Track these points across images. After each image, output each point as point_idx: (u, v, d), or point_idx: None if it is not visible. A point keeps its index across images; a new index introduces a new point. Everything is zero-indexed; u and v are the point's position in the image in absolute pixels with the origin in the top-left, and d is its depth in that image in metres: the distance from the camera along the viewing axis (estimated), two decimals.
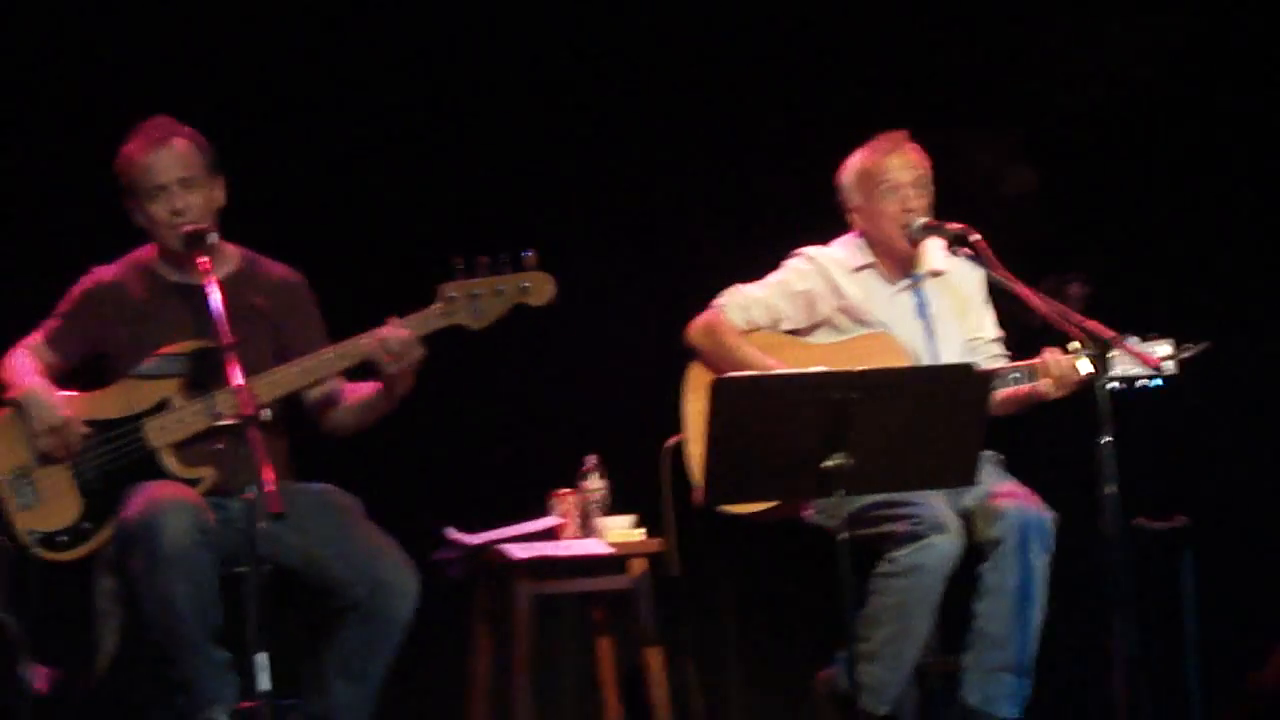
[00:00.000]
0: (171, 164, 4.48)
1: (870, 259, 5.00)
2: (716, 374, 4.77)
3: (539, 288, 4.40)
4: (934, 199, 4.95)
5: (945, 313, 5.01)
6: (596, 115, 5.98)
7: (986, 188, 5.83)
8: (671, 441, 4.96)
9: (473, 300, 4.39)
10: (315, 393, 4.57)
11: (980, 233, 4.75)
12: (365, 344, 4.39)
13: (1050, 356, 4.75)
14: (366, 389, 4.56)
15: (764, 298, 4.99)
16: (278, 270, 4.67)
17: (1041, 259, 5.27)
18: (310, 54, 5.78)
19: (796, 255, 5.05)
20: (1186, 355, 4.75)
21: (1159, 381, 4.72)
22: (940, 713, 4.89)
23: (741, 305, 4.98)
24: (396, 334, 4.37)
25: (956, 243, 4.82)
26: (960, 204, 4.99)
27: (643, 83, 6.01)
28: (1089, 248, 5.79)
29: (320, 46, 5.79)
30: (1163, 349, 4.75)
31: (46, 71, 5.55)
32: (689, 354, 4.97)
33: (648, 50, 6.01)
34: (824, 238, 5.07)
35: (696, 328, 4.98)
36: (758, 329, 4.98)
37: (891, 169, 4.92)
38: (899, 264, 5.00)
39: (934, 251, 5.01)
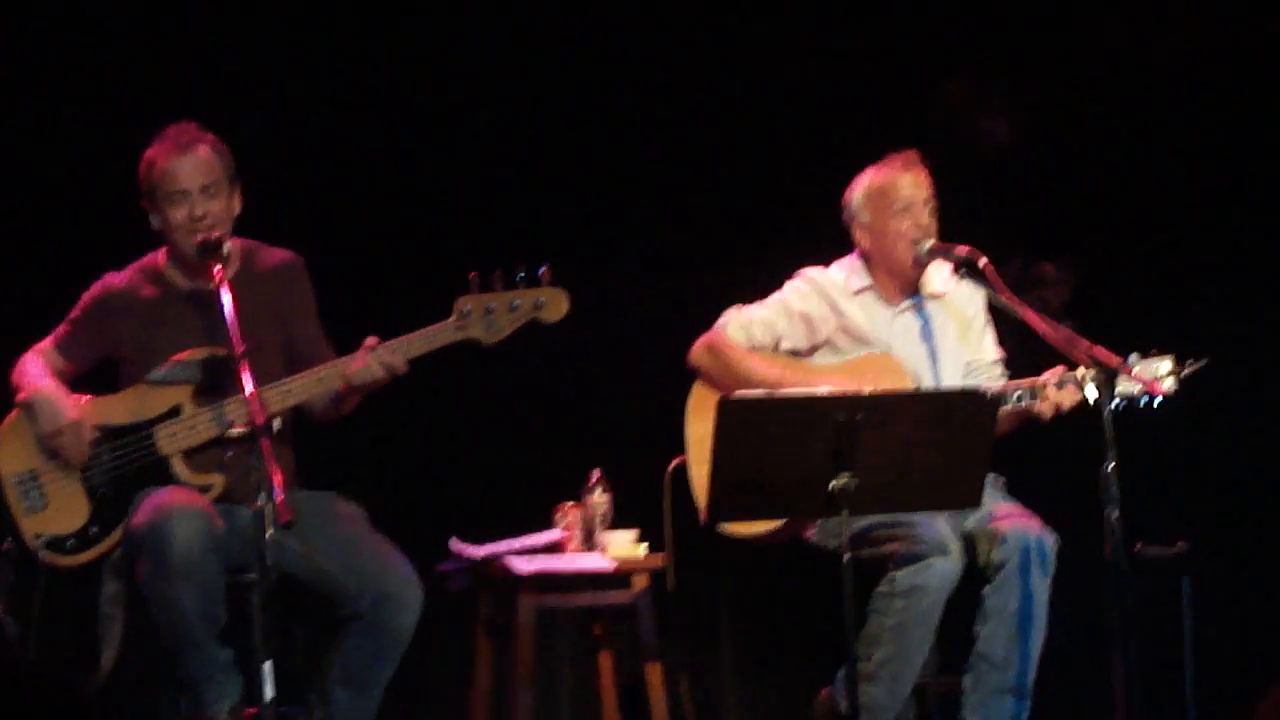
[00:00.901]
0: (194, 170, 4.51)
1: (869, 281, 5.02)
2: (721, 392, 4.81)
3: (554, 303, 4.42)
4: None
5: (946, 335, 5.03)
6: (606, 132, 6.00)
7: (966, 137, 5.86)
8: (674, 464, 4.97)
9: (487, 315, 4.41)
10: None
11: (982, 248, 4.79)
12: (354, 366, 4.39)
13: (1052, 378, 4.77)
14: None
15: (765, 317, 5.01)
16: (277, 255, 4.69)
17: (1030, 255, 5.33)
18: (335, 62, 5.80)
19: (797, 276, 5.07)
20: (1187, 372, 4.78)
21: (1160, 399, 4.74)
22: None
23: (742, 324, 5.00)
24: (380, 360, 4.38)
25: (964, 266, 4.85)
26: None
27: (656, 103, 6.03)
28: (1086, 260, 5.81)
29: (346, 54, 5.81)
30: (1163, 366, 4.77)
31: (55, 76, 5.56)
32: (692, 375, 4.99)
33: (663, 73, 6.03)
34: (827, 259, 5.09)
35: (699, 348, 5.00)
36: (758, 349, 5.00)
37: (904, 186, 4.94)
38: (900, 286, 5.02)
39: (936, 274, 5.03)
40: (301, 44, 5.77)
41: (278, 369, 4.48)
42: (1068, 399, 4.73)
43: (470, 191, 5.89)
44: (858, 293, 5.00)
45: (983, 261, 4.79)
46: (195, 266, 4.51)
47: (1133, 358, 4.75)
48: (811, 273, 5.06)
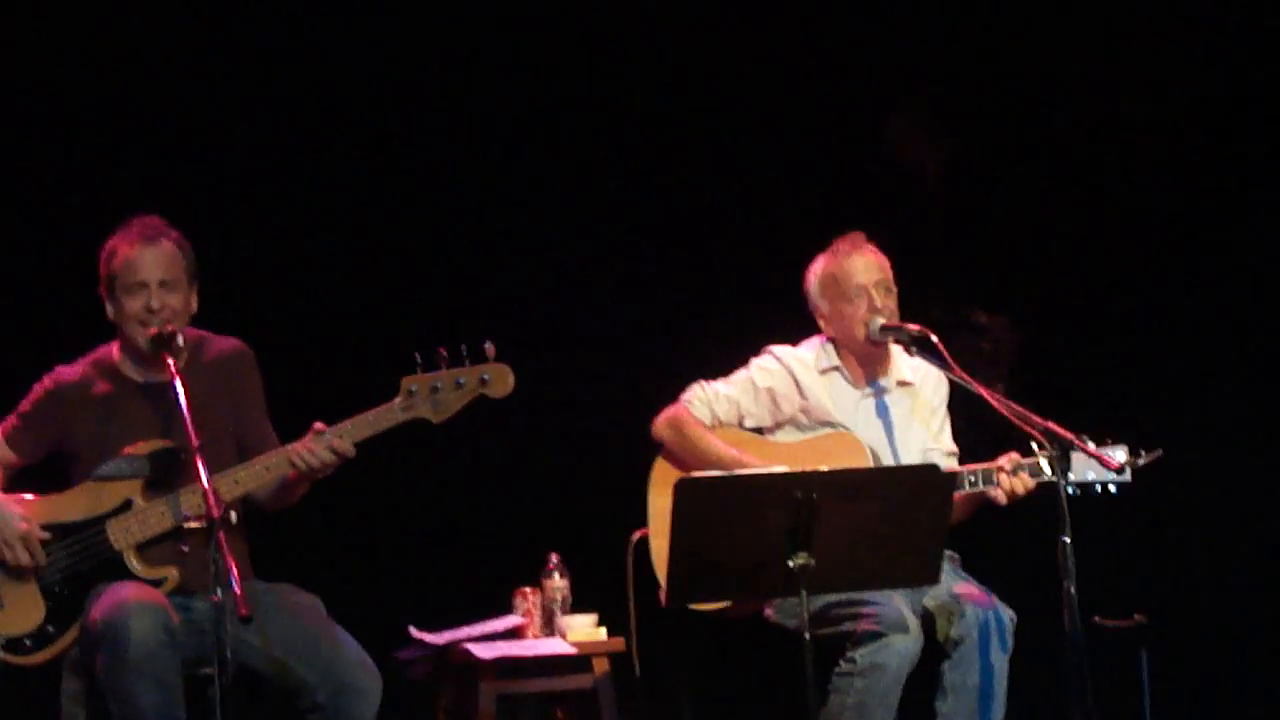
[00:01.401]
0: (155, 263, 4.51)
1: (836, 362, 5.05)
2: (681, 468, 4.83)
3: (499, 379, 4.43)
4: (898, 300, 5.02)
5: (909, 422, 5.05)
6: (554, 203, 6.03)
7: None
8: (637, 536, 4.98)
9: (433, 393, 4.42)
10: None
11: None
12: (298, 450, 4.39)
13: (1007, 463, 4.80)
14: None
15: (728, 394, 5.04)
16: (226, 344, 4.69)
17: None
18: (279, 142, 5.82)
19: (765, 354, 5.10)
20: (1143, 463, 4.81)
21: (1113, 488, 4.78)
22: None
23: (705, 400, 5.02)
24: (327, 446, 4.38)
25: (915, 344, 4.88)
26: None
27: (609, 171, 6.07)
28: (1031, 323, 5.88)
29: (289, 136, 5.84)
30: (1119, 455, 4.81)
31: (7, 166, 5.57)
32: (654, 448, 5.00)
33: (612, 139, 6.08)
34: (792, 334, 5.12)
35: (662, 422, 5.02)
36: (721, 425, 5.02)
37: (856, 271, 4.98)
38: (867, 370, 5.05)
39: (905, 361, 5.06)
40: (241, 129, 5.79)
41: (229, 458, 4.48)
42: (1021, 486, 4.76)
43: (414, 271, 5.90)
44: (825, 372, 5.04)
45: (933, 339, 4.84)
46: (148, 359, 4.50)
47: (1088, 444, 4.79)
48: (779, 350, 5.09)
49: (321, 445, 4.40)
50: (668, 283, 6.09)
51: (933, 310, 5.05)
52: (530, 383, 4.49)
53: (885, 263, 5.02)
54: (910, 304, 4.96)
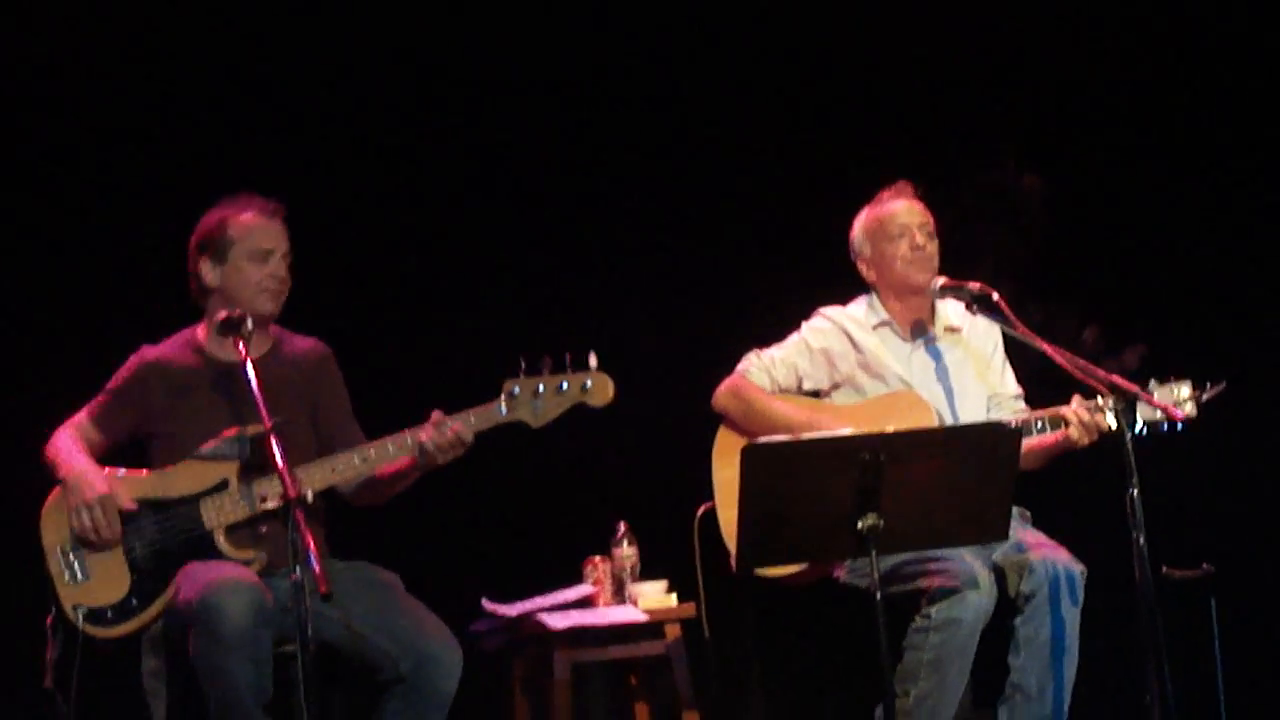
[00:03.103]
0: (279, 235, 4.60)
1: (886, 317, 5.08)
2: (747, 435, 4.86)
3: (599, 389, 4.50)
4: (942, 251, 5.04)
5: (965, 370, 5.08)
6: (617, 171, 6.05)
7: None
8: (703, 509, 5.01)
9: (535, 397, 4.48)
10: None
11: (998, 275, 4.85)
12: (423, 437, 4.46)
13: (1076, 405, 4.81)
14: (397, 464, 4.62)
15: (785, 358, 5.07)
16: (306, 344, 4.75)
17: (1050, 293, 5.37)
18: (378, 139, 5.86)
19: (815, 315, 5.14)
20: (1206, 397, 4.82)
21: (1180, 424, 4.79)
22: None
23: (763, 367, 5.05)
24: (451, 429, 4.44)
25: (977, 303, 4.89)
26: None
27: (667, 140, 6.08)
28: (1102, 285, 5.86)
29: (398, 137, 5.87)
30: (1182, 391, 4.82)
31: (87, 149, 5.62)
32: (714, 421, 5.03)
33: (672, 114, 6.10)
34: (841, 298, 5.16)
35: (723, 393, 5.05)
36: (781, 390, 5.05)
37: (899, 214, 5.04)
38: (914, 320, 5.08)
39: (951, 308, 5.08)
40: (329, 130, 5.82)
41: (309, 450, 4.53)
42: (1097, 421, 4.76)
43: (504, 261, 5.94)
44: (876, 327, 5.06)
45: (995, 296, 4.85)
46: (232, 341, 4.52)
47: (1151, 384, 4.80)
48: (829, 311, 5.13)
49: (444, 430, 4.44)
50: (734, 252, 6.10)
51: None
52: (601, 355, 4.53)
53: (928, 212, 5.07)
54: None
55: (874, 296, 5.12)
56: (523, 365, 4.46)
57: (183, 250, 4.65)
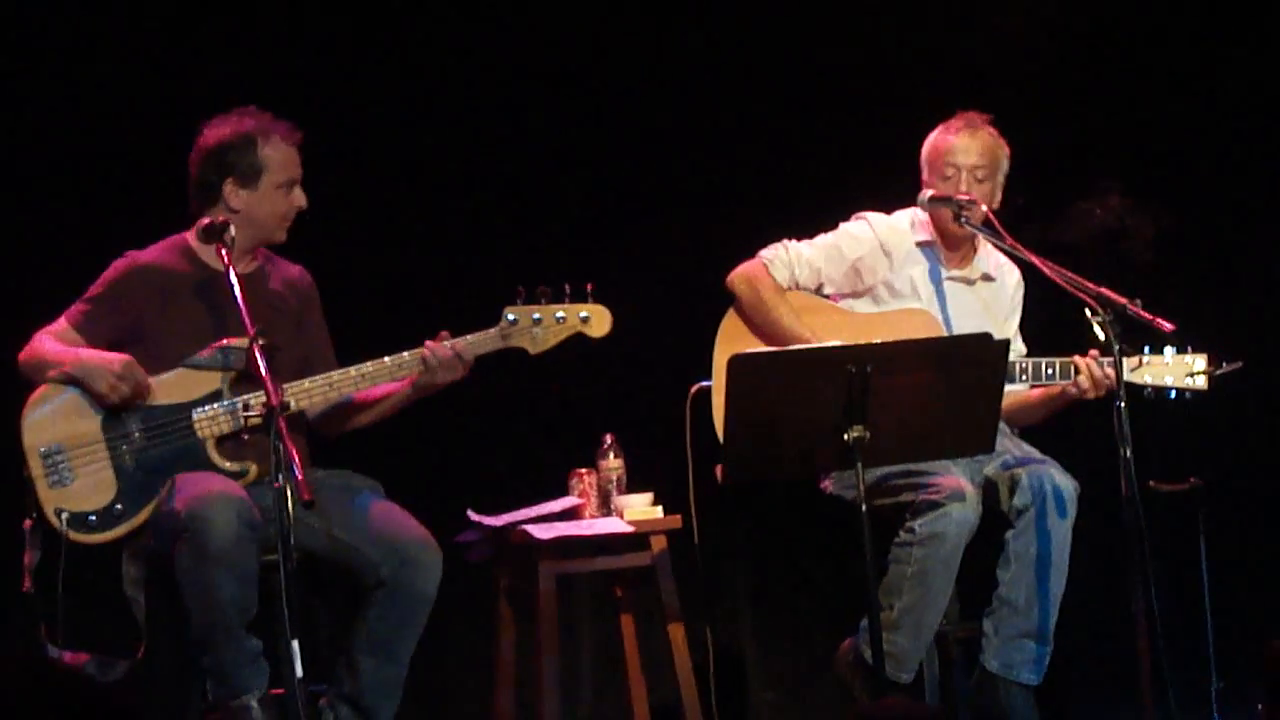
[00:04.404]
0: (299, 162, 4.57)
1: (929, 236, 5.02)
2: (750, 326, 4.84)
3: (598, 320, 4.55)
4: (998, 188, 4.97)
5: (988, 312, 5.03)
6: (613, 99, 5.96)
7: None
8: (696, 388, 4.98)
9: (534, 325, 4.50)
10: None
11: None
12: (419, 356, 4.46)
13: (1087, 358, 4.77)
14: (388, 388, 4.60)
15: (811, 259, 5.00)
16: (294, 270, 4.72)
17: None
18: (389, 83, 5.77)
19: (857, 219, 5.06)
20: (1220, 372, 4.80)
21: (1188, 395, 4.78)
22: (961, 679, 4.94)
23: (787, 262, 4.99)
24: (445, 351, 4.45)
25: (963, 212, 4.84)
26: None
27: (674, 64, 5.99)
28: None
29: (371, 70, 5.76)
30: (1197, 363, 4.80)
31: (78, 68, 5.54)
32: (709, 339, 4.99)
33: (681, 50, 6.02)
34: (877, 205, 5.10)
35: (738, 277, 5.00)
36: (799, 288, 5.00)
37: (956, 151, 4.95)
38: (957, 255, 5.03)
39: (990, 257, 5.04)
40: (326, 62, 5.73)
41: (295, 359, 4.51)
42: (1113, 379, 4.62)
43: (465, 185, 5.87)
44: (920, 245, 5.01)
45: (982, 208, 4.81)
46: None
47: (1167, 350, 4.77)
48: (873, 218, 5.05)
49: (447, 348, 4.44)
50: (732, 157, 6.02)
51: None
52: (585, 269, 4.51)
53: (995, 151, 4.96)
54: None
55: (921, 213, 5.02)
56: (522, 293, 4.49)
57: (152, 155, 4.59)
